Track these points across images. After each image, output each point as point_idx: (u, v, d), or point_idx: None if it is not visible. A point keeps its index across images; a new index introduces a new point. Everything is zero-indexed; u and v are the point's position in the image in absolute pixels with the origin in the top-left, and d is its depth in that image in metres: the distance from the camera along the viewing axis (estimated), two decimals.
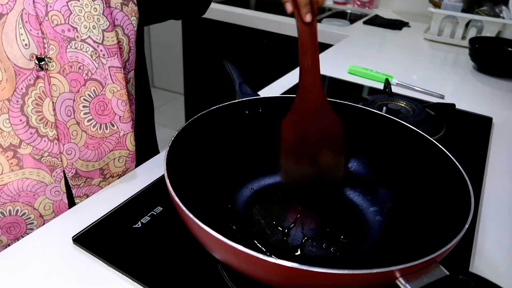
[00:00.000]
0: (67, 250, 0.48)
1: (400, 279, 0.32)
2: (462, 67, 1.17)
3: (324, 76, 1.04)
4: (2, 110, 0.47)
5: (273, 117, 0.58)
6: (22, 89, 0.48)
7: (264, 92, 0.92)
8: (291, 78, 1.02)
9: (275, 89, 0.94)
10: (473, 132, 0.80)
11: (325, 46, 1.39)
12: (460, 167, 0.44)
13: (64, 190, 0.55)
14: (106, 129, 0.56)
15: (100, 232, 0.50)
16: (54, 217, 0.54)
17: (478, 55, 1.13)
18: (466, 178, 0.43)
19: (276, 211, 0.52)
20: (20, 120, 0.49)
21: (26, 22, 0.46)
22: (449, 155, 0.46)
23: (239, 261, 0.35)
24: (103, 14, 0.52)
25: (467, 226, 0.36)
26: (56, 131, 0.51)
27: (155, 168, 0.63)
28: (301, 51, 0.46)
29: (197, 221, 0.35)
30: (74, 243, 0.48)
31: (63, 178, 0.54)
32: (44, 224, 0.54)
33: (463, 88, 1.03)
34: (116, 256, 0.46)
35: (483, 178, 0.66)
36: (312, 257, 0.46)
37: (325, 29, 1.44)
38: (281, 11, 1.89)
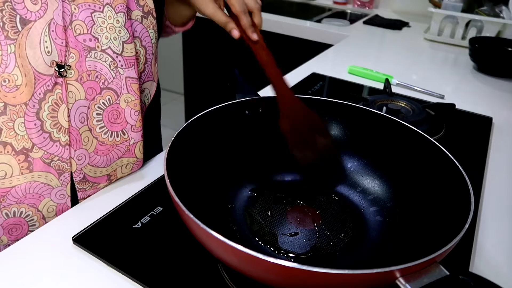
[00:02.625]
0: (67, 250, 0.48)
1: (400, 279, 0.32)
2: (462, 67, 1.17)
3: (324, 76, 1.04)
4: (18, 114, 0.48)
5: (273, 117, 0.58)
6: (39, 94, 0.48)
7: (264, 92, 0.92)
8: (291, 78, 1.02)
9: None
10: (473, 132, 0.80)
11: (325, 46, 1.39)
12: (460, 167, 0.44)
13: (69, 194, 0.55)
14: (117, 136, 0.57)
15: (100, 232, 0.50)
16: None
17: (478, 55, 1.13)
18: (466, 178, 0.43)
19: (276, 211, 0.52)
20: (35, 124, 0.49)
21: (52, 31, 0.47)
22: (449, 155, 0.46)
23: (239, 261, 0.35)
24: (124, 26, 0.53)
25: (467, 226, 0.36)
26: (69, 136, 0.52)
27: (155, 168, 0.63)
28: (264, 66, 0.54)
29: (197, 221, 0.35)
30: (74, 243, 0.48)
31: (70, 182, 0.54)
32: None
33: (463, 88, 1.03)
34: (116, 256, 0.46)
35: (483, 178, 0.66)
36: (312, 257, 0.46)
37: (325, 29, 1.44)
38: (281, 11, 1.89)
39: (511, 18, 1.29)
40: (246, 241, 0.47)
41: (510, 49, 1.19)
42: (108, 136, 0.56)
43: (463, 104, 0.90)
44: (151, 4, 0.58)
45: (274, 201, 0.53)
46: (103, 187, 0.59)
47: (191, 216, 0.35)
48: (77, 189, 0.56)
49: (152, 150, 0.70)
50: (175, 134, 0.47)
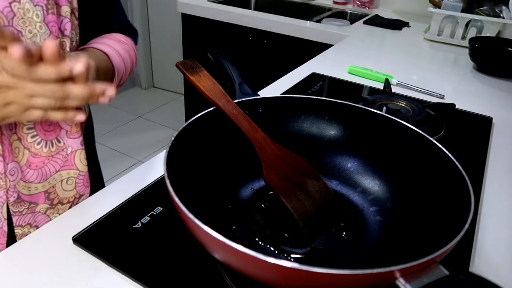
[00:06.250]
0: (67, 250, 0.48)
1: (400, 279, 0.32)
2: (462, 67, 1.17)
3: (324, 76, 1.04)
4: None
5: (273, 117, 0.58)
6: None
7: (264, 92, 0.92)
8: (291, 78, 1.02)
9: (275, 89, 0.94)
10: (473, 132, 0.80)
11: (325, 46, 1.39)
12: (460, 167, 0.44)
13: (5, 217, 0.50)
14: (52, 146, 0.51)
15: (100, 232, 0.50)
16: None
17: (478, 55, 1.13)
18: (466, 178, 0.43)
19: (275, 211, 0.52)
20: None
21: None
22: (449, 155, 0.46)
23: (239, 261, 0.35)
24: (44, 21, 0.48)
25: (467, 226, 0.36)
26: (2, 146, 0.47)
27: (155, 168, 0.63)
28: (235, 120, 0.51)
29: (197, 221, 0.35)
30: (74, 243, 0.48)
31: (6, 202, 0.50)
32: None
33: (463, 88, 1.03)
34: (116, 256, 0.46)
35: (483, 178, 0.66)
36: (312, 257, 0.46)
37: (325, 29, 1.44)
38: (281, 11, 1.89)
39: (511, 18, 1.29)
40: (246, 241, 0.47)
41: (510, 49, 1.19)
42: (42, 146, 0.50)
43: (463, 104, 0.90)
44: (75, 4, 0.53)
45: (274, 200, 0.53)
46: (44, 211, 0.53)
47: (191, 216, 0.35)
48: (11, 213, 0.51)
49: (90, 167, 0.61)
50: (175, 134, 0.47)
